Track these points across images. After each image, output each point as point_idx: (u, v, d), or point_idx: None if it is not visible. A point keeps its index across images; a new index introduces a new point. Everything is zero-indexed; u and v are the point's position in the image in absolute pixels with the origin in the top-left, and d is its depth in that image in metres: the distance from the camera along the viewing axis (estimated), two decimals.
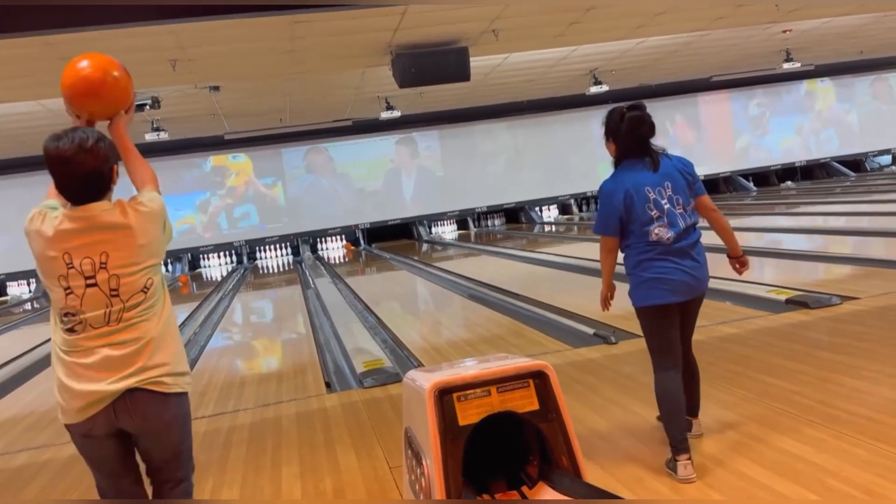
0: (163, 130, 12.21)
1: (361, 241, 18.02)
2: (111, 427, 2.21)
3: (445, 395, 2.21)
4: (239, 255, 17.61)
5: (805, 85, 19.78)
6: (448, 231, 18.85)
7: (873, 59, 18.24)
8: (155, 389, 2.22)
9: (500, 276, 9.63)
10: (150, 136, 12.21)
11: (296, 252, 17.67)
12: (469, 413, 2.21)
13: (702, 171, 17.33)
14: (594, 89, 13.95)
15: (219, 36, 6.64)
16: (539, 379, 2.29)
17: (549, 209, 19.15)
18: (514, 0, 6.66)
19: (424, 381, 2.29)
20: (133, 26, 5.67)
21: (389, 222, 18.15)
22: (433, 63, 8.07)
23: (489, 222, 19.25)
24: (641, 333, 3.27)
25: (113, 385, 2.17)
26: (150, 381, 2.22)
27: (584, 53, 11.90)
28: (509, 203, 18.77)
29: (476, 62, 8.80)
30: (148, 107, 9.71)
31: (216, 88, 10.35)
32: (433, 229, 18.68)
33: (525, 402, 2.25)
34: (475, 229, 18.75)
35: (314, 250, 17.77)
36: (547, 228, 17.38)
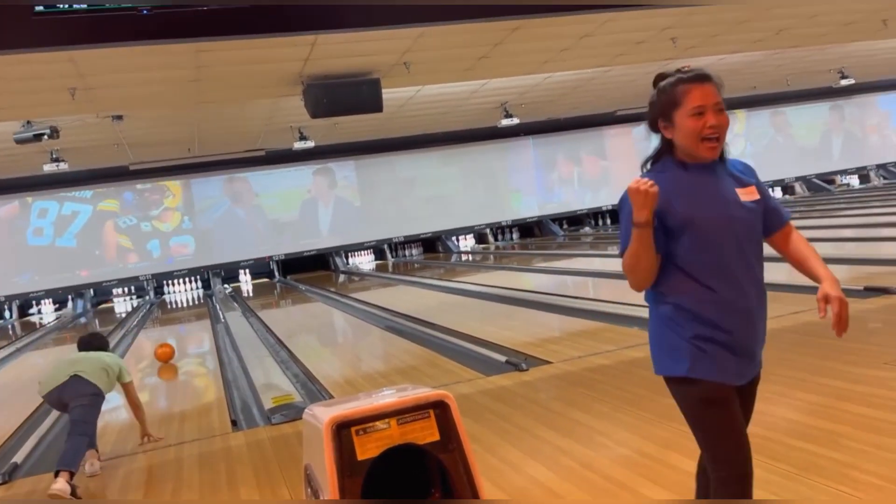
0: (63, 161, 11.67)
1: (276, 273, 17.66)
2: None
3: (343, 430, 2.15)
4: (145, 290, 16.94)
5: None
6: (365, 261, 18.72)
7: (767, 94, 19.36)
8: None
9: (417, 305, 9.60)
10: (48, 168, 11.66)
11: (206, 285, 17.15)
12: (368, 447, 2.15)
13: (611, 201, 17.84)
14: (505, 122, 14.25)
15: (119, 64, 6.42)
16: (439, 409, 2.26)
17: (465, 238, 19.30)
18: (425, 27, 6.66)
19: (323, 415, 2.23)
20: (30, 52, 5.44)
21: (305, 253, 17.87)
22: (345, 94, 8.04)
23: (406, 252, 19.24)
24: (550, 360, 3.27)
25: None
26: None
27: (494, 87, 12.14)
28: (426, 233, 18.83)
29: (389, 94, 8.83)
30: (46, 136, 9.25)
31: (119, 118, 10.00)
32: (350, 260, 18.52)
33: (426, 433, 2.22)
34: (392, 259, 18.69)
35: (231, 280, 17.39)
36: (464, 258, 17.50)
